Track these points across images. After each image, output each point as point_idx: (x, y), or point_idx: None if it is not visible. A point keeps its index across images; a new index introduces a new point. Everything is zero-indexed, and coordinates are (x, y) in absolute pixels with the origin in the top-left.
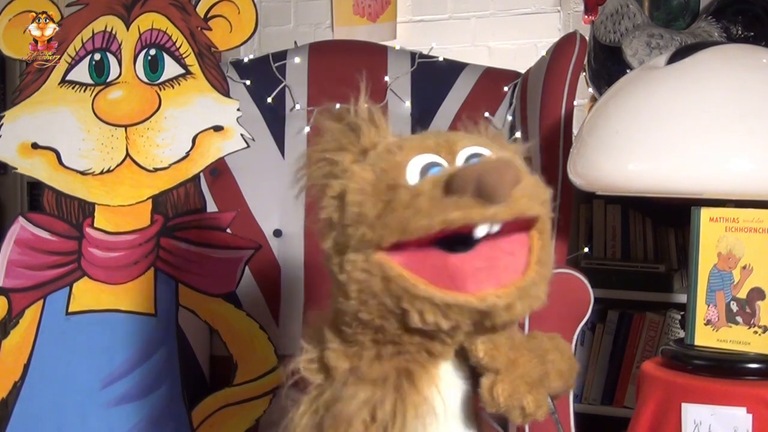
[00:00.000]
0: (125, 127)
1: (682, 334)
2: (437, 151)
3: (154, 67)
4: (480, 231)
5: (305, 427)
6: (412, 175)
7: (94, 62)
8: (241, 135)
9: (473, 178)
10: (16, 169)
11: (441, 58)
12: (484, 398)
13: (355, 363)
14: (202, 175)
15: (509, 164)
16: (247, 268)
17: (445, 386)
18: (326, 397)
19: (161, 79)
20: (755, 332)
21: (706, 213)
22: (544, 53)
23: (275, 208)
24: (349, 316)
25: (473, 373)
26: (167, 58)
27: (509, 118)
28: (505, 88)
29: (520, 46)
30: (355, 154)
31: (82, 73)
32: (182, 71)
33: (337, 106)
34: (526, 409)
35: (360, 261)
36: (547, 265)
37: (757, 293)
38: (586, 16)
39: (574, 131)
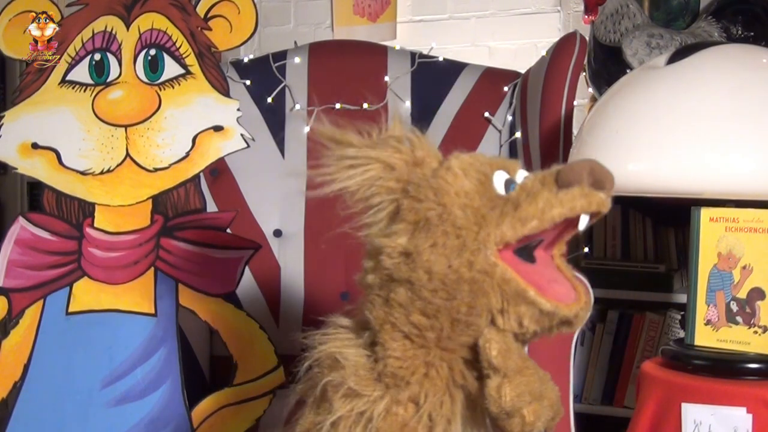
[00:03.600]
0: (125, 127)
1: (682, 334)
2: (506, 168)
3: (154, 67)
4: (583, 221)
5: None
6: (499, 186)
7: (94, 62)
8: (241, 135)
9: (586, 170)
10: (16, 169)
11: (441, 58)
12: (491, 397)
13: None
14: (202, 175)
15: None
16: (247, 268)
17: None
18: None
19: (161, 79)
20: (755, 332)
21: (706, 213)
22: (544, 53)
23: (275, 208)
24: (422, 320)
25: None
26: (167, 58)
27: (509, 118)
28: (505, 88)
29: (520, 46)
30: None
31: (82, 73)
32: (182, 71)
33: (337, 106)
34: (526, 418)
35: (480, 261)
36: None
37: (757, 293)
38: (586, 16)
39: (574, 131)
